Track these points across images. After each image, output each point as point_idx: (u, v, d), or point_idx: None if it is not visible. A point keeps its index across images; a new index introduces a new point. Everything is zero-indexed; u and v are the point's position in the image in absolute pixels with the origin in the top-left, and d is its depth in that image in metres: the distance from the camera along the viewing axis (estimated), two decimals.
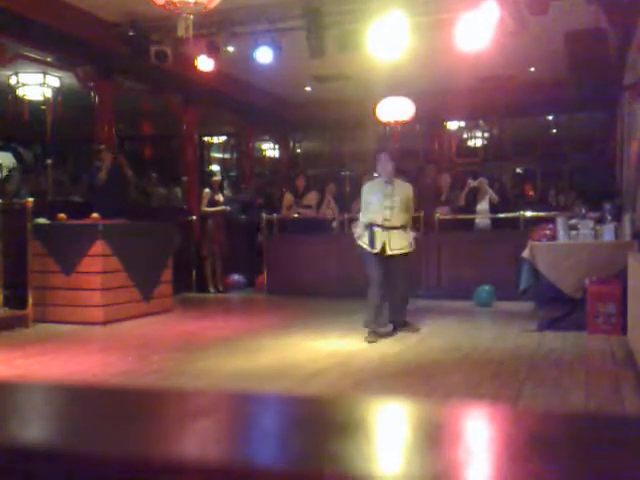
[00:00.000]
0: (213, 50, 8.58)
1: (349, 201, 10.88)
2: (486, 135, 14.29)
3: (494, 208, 9.61)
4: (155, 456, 0.47)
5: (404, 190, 6.16)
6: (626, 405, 3.71)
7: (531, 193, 12.94)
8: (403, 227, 6.08)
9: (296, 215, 10.42)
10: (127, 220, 7.71)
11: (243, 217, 10.81)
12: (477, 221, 9.82)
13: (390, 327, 6.26)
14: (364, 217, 6.13)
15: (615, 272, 5.98)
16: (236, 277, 10.57)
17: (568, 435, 0.51)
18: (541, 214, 8.99)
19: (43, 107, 10.88)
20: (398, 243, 6.02)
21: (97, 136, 9.13)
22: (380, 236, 5.97)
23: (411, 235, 6.21)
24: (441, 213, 9.64)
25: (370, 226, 6.01)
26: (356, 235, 6.23)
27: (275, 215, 10.37)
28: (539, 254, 6.34)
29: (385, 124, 10.73)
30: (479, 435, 0.54)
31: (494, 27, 7.25)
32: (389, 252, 5.99)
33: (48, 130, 11.16)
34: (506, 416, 0.57)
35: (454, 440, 0.51)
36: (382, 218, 5.96)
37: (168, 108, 10.86)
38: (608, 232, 6.42)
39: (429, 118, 12.14)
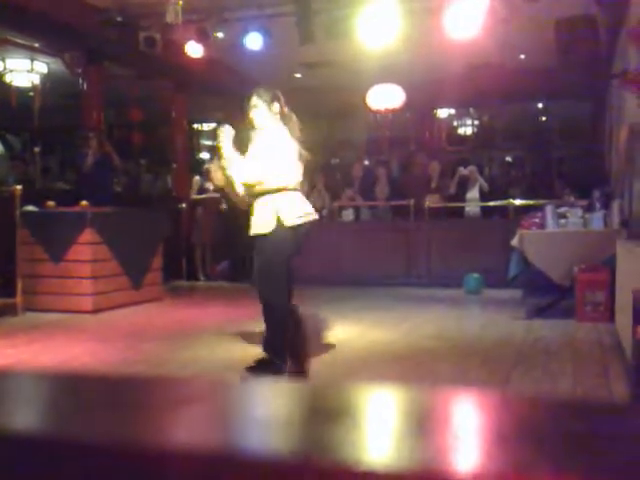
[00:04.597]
0: (202, 36, 8.52)
1: (340, 189, 10.87)
2: (476, 123, 14.31)
3: (484, 196, 9.64)
4: (144, 444, 0.47)
5: None
6: (613, 391, 3.74)
7: (519, 178, 12.97)
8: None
9: None
10: (116, 207, 7.67)
11: (224, 207, 10.52)
12: (467, 209, 9.85)
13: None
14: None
15: (603, 260, 6.02)
16: (226, 265, 10.54)
17: (556, 421, 0.52)
18: (530, 202, 9.02)
19: (31, 94, 10.78)
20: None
21: (85, 123, 9.05)
22: None
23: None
24: (431, 201, 9.65)
25: None
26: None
27: None
28: (528, 242, 6.36)
29: (375, 112, 10.71)
30: (468, 421, 0.54)
31: (485, 14, 7.24)
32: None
33: (36, 117, 11.06)
34: (495, 402, 0.57)
35: (443, 426, 0.52)
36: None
37: (157, 95, 10.79)
38: (597, 220, 6.45)
39: (419, 106, 12.12)
